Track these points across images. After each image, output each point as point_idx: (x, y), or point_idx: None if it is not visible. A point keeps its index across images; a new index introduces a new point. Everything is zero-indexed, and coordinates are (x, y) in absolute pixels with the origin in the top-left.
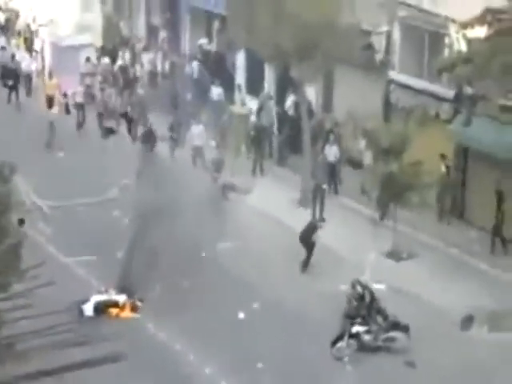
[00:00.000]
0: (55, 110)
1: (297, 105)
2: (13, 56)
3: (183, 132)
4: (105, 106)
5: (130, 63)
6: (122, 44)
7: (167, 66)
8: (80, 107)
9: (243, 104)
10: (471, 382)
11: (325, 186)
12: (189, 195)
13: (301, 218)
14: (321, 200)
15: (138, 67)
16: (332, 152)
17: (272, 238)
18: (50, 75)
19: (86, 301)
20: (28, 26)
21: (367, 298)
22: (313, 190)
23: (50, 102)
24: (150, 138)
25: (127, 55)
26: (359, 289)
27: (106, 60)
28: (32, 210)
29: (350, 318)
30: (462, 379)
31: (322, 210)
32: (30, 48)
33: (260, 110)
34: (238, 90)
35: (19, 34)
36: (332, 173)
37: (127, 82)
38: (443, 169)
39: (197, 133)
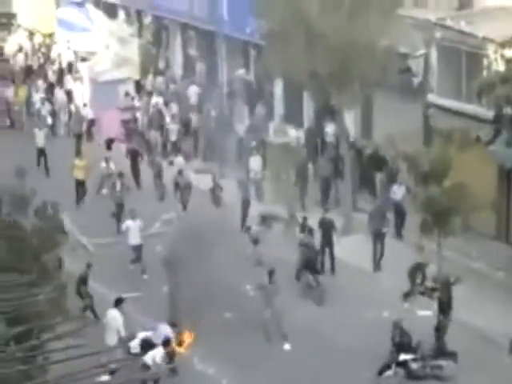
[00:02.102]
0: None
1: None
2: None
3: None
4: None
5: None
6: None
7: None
8: None
9: (283, 133)
10: None
11: (385, 230)
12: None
13: (343, 247)
14: (381, 246)
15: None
16: (400, 192)
17: None
18: (79, 152)
19: (132, 338)
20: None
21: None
22: (373, 234)
23: (80, 188)
24: None
25: (155, 100)
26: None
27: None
28: (76, 247)
29: (397, 345)
30: None
31: (380, 258)
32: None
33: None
34: (277, 118)
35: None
36: (399, 213)
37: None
38: None
39: (254, 164)
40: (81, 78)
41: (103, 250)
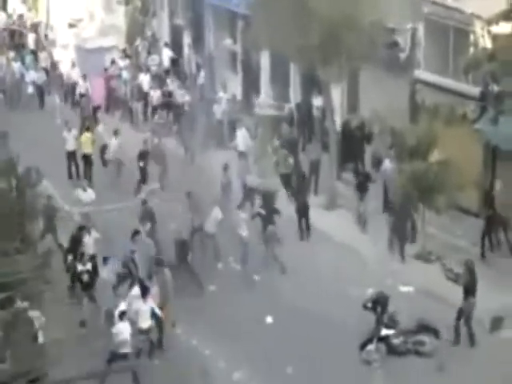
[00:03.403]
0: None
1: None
2: None
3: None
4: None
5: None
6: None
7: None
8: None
9: (269, 105)
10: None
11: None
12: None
13: (328, 222)
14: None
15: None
16: (391, 167)
17: (296, 243)
18: (85, 122)
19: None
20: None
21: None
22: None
23: (88, 162)
24: None
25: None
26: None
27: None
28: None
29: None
30: (493, 381)
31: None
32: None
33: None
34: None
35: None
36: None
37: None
38: None
39: (241, 137)
40: (67, 46)
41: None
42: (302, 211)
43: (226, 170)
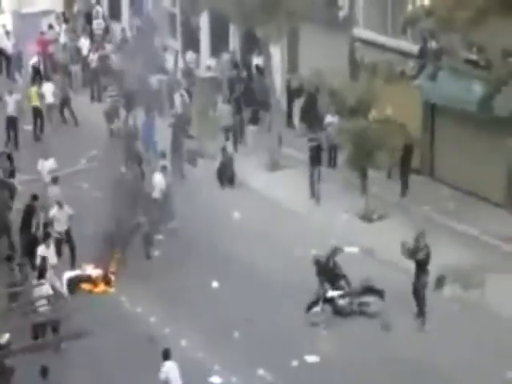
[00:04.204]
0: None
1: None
2: None
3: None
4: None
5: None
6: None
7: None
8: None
9: (209, 67)
10: (445, 341)
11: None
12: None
13: (270, 184)
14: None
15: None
16: (334, 124)
17: (240, 204)
18: (35, 78)
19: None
20: None
21: (330, 264)
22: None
23: (38, 115)
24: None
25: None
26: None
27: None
28: None
29: (323, 282)
30: (437, 339)
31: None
32: None
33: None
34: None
35: None
36: (333, 145)
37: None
38: None
39: (178, 99)
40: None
41: (30, 187)
42: (225, 164)
43: None
